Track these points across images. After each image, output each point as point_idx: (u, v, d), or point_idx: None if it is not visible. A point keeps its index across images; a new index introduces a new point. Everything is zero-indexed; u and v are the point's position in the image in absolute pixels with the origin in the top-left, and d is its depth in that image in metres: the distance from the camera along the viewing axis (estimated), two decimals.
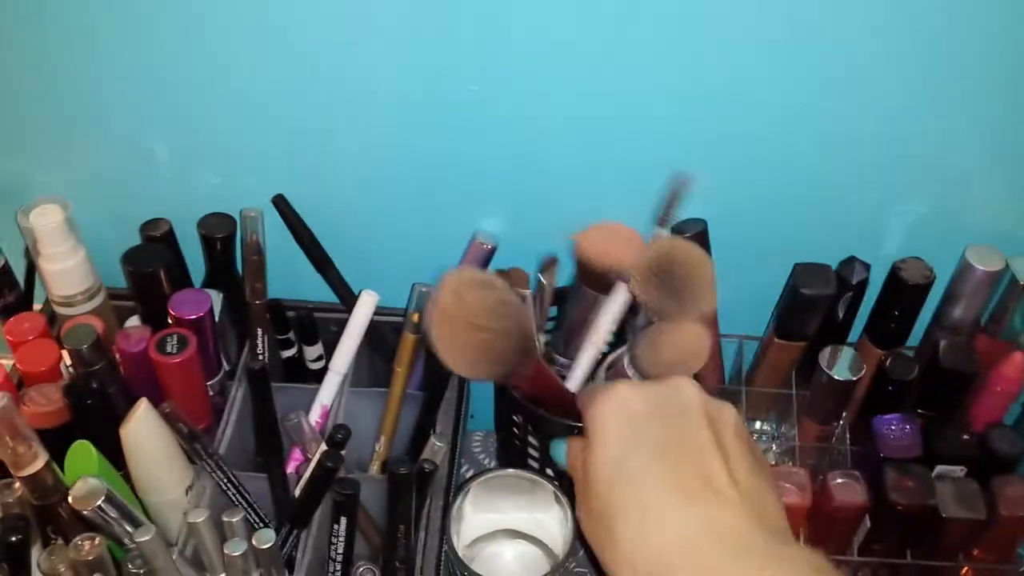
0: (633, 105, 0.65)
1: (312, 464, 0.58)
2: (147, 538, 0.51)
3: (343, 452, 0.58)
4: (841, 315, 0.70)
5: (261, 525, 0.62)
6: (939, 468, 0.69)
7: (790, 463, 0.74)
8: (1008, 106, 0.64)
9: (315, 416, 0.68)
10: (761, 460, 0.50)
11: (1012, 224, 0.68)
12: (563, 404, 0.67)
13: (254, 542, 0.55)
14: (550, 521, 0.64)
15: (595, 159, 0.68)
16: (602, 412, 0.50)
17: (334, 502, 0.55)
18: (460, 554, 0.58)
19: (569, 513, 0.61)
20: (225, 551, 0.54)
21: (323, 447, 0.58)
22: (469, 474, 0.74)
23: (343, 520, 0.55)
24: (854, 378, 0.69)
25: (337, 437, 0.58)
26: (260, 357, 0.70)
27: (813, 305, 0.67)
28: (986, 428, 0.69)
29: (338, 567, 0.56)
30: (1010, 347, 0.69)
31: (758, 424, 0.80)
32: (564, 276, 0.69)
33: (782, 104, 0.64)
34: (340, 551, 0.56)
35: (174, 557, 0.55)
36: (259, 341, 0.69)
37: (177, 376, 0.62)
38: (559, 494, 0.62)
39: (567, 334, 0.71)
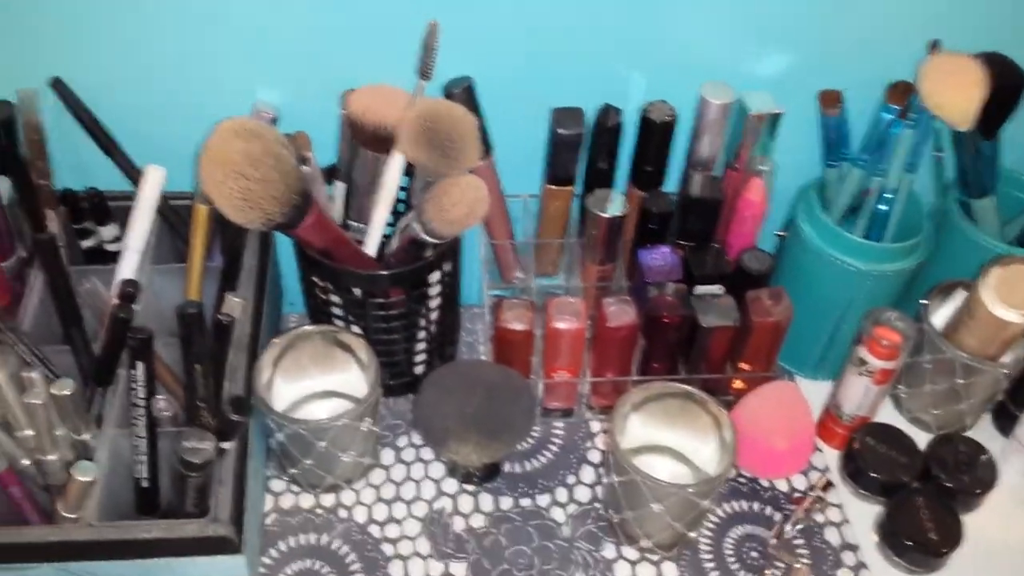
0: None
1: (107, 320, 0.61)
2: None
3: (136, 306, 0.61)
4: (604, 163, 0.77)
5: None
6: (698, 288, 0.77)
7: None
8: None
9: (115, 292, 0.70)
10: None
11: (739, 61, 0.76)
12: (350, 255, 0.71)
13: (52, 390, 0.58)
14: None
15: (368, 24, 0.71)
16: None
17: (129, 348, 0.58)
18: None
19: None
20: (25, 400, 0.57)
21: (114, 301, 0.61)
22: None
23: (139, 365, 0.58)
24: (618, 214, 0.76)
25: (128, 291, 0.61)
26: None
27: (570, 144, 0.73)
28: (739, 251, 0.78)
29: (141, 411, 0.59)
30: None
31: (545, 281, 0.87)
32: None
33: None
34: (141, 396, 0.59)
35: None
36: (49, 222, 0.71)
37: None
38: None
39: (357, 198, 0.75)
